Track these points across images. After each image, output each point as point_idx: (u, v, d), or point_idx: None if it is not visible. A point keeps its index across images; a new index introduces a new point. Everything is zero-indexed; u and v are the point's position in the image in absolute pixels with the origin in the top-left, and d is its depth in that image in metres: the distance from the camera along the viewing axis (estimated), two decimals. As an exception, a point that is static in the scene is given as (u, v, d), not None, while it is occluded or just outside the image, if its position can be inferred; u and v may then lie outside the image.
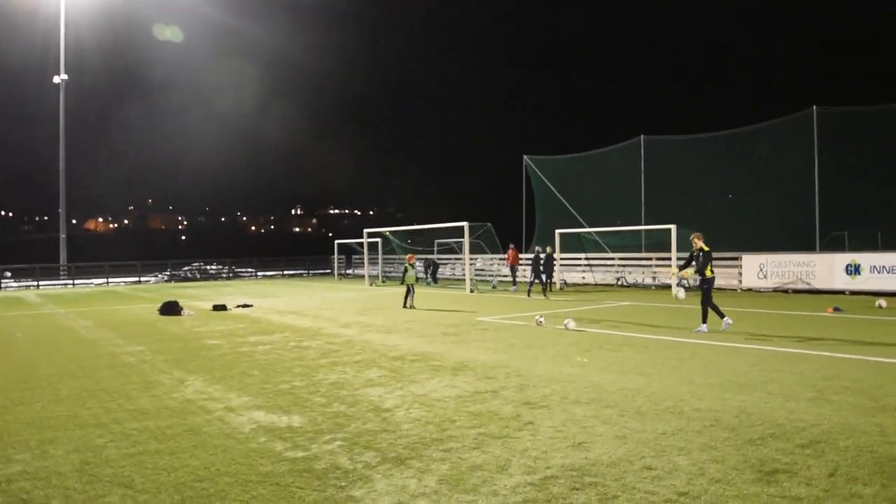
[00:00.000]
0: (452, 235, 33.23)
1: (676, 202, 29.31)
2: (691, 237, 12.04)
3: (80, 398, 7.37)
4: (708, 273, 11.74)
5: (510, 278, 27.31)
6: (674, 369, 8.35)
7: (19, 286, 36.03)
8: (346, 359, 9.78)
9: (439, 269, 35.60)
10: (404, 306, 17.85)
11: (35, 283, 36.96)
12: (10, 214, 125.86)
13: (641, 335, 11.67)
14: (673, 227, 22.79)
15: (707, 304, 11.81)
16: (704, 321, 11.82)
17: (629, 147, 32.63)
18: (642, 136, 31.96)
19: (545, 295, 21.15)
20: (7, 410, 6.87)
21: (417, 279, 26.92)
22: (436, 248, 37.38)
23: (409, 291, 18.19)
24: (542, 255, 21.42)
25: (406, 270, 18.50)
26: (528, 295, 21.47)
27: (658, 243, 26.53)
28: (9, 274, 37.12)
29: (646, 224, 29.88)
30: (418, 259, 37.93)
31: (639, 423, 5.87)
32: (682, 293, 13.23)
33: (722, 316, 11.79)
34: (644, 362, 8.92)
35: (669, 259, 23.57)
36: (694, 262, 11.92)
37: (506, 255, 28.01)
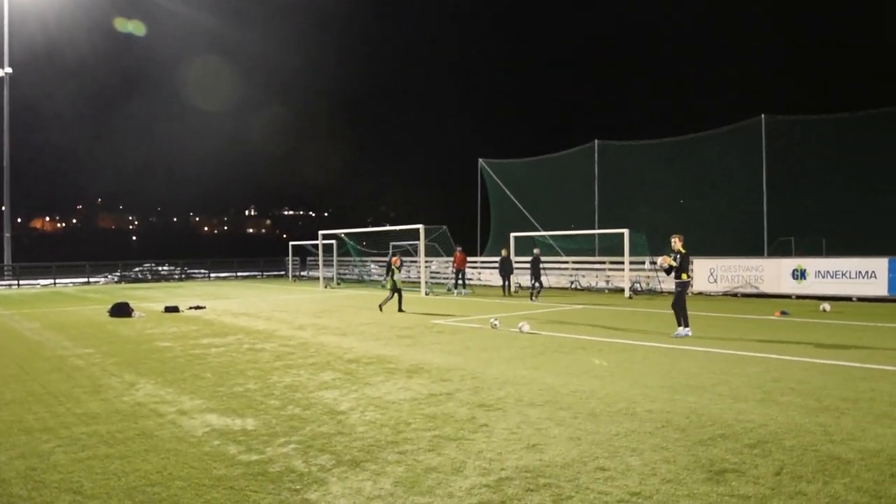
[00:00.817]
0: (408, 238, 33.15)
1: (630, 207, 29.91)
2: (672, 238, 12.02)
3: (26, 402, 7.11)
4: (684, 276, 11.83)
5: (452, 281, 27.25)
6: (626, 372, 8.50)
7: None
8: (300, 361, 9.67)
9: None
10: (380, 308, 17.49)
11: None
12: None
13: (595, 338, 11.85)
14: (626, 231, 23.22)
15: (678, 307, 11.78)
16: (681, 324, 11.73)
17: (583, 151, 33.16)
18: (596, 141, 32.52)
19: (533, 298, 21.34)
20: (-58, 416, 6.56)
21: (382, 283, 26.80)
22: (391, 251, 37.24)
23: (397, 294, 17.63)
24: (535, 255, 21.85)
25: (392, 273, 18.03)
26: (532, 298, 21.30)
27: (611, 247, 27.00)
28: None
29: (600, 228, 30.41)
30: (377, 261, 37.76)
31: (592, 424, 5.96)
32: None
33: (685, 325, 11.76)
34: (597, 365, 9.05)
35: (622, 262, 24.01)
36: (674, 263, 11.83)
37: (452, 258, 27.94)
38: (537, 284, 21.25)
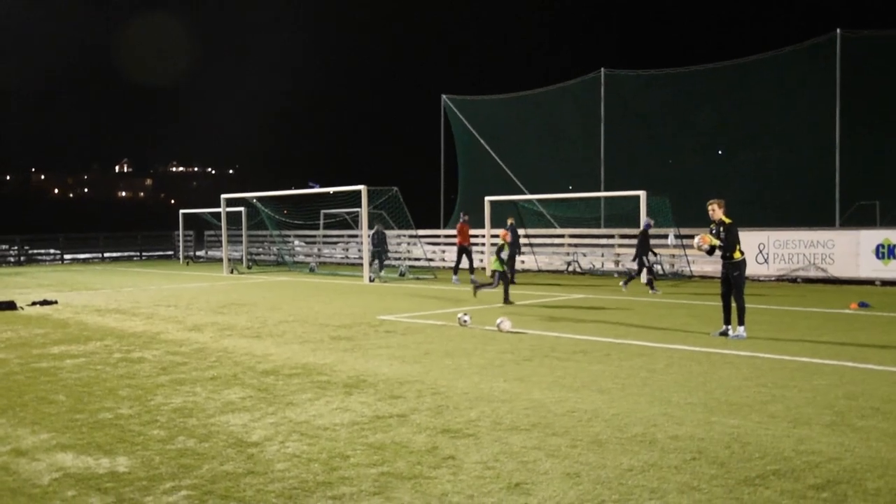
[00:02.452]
0: (346, 204, 32.99)
1: (648, 160, 30.16)
2: (708, 204, 12.03)
3: None
4: (737, 255, 11.77)
5: (446, 264, 27.24)
6: (643, 384, 8.59)
7: None
8: (195, 374, 9.56)
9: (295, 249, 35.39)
10: (507, 301, 17.06)
11: None
12: None
13: (600, 338, 11.96)
14: (642, 193, 23.44)
15: (740, 297, 11.78)
16: (741, 322, 11.80)
17: (585, 85, 33.27)
18: (603, 70, 32.64)
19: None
20: None
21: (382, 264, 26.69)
22: (322, 221, 37.04)
23: (501, 280, 17.13)
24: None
25: (502, 250, 17.27)
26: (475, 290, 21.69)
27: (622, 216, 27.24)
28: None
29: (606, 190, 30.64)
30: (304, 236, 37.54)
31: (597, 456, 6.00)
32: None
33: (729, 323, 11.89)
34: (604, 375, 9.13)
35: (636, 237, 24.23)
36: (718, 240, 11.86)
37: (454, 231, 27.76)
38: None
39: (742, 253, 11.88)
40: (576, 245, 27.86)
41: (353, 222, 35.70)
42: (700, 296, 18.67)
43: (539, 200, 30.14)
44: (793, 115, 27.48)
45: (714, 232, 11.92)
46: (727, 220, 11.84)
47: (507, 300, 17.03)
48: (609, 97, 32.42)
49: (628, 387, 8.43)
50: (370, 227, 26.66)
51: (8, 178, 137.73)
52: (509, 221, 23.07)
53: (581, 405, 7.61)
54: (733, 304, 11.91)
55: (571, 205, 29.79)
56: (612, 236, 27.28)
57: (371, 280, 24.56)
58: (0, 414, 7.78)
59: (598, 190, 31.13)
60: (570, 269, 26.98)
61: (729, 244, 11.74)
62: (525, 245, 28.75)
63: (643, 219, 21.57)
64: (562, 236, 28.65)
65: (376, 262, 26.66)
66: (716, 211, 11.94)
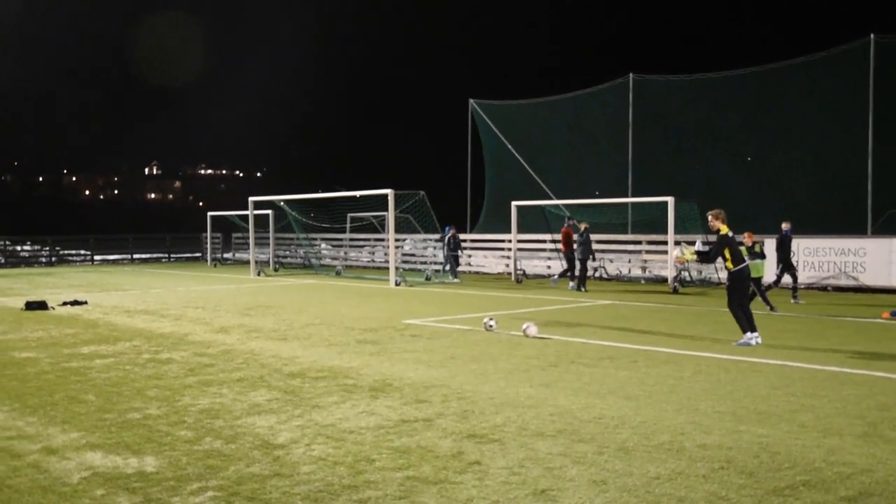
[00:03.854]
0: (372, 208, 33.10)
1: (676, 166, 29.98)
2: (708, 215, 12.25)
3: None
4: (729, 265, 11.96)
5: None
6: (671, 391, 8.55)
7: None
8: (222, 376, 9.62)
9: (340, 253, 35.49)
10: (771, 308, 16.36)
11: None
12: None
13: (627, 345, 11.91)
14: (670, 199, 23.33)
15: (733, 307, 11.92)
16: (748, 329, 11.79)
17: (613, 90, 33.16)
18: (632, 76, 32.51)
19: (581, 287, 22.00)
20: None
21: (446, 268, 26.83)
22: (348, 225, 37.19)
23: (760, 288, 16.35)
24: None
25: (753, 255, 16.22)
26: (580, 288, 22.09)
27: (650, 222, 27.11)
28: None
29: (634, 196, 30.51)
30: (331, 239, 37.63)
31: (623, 463, 5.97)
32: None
33: (749, 330, 11.81)
34: (631, 381, 9.10)
35: (665, 243, 24.13)
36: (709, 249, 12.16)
37: (557, 237, 27.43)
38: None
39: (737, 263, 11.96)
40: (602, 250, 27.73)
41: (379, 226, 35.77)
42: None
43: (565, 205, 30.04)
44: (824, 121, 27.18)
45: (695, 246, 12.46)
46: (724, 230, 11.99)
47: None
48: (637, 102, 32.27)
49: (655, 394, 8.38)
50: (398, 230, 26.72)
51: (41, 179, 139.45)
52: (583, 227, 22.82)
53: (607, 412, 7.57)
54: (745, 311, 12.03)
55: (598, 210, 29.63)
56: (639, 242, 27.13)
57: (397, 284, 24.60)
58: (31, 412, 7.88)
59: (626, 195, 31.00)
60: (597, 274, 26.85)
61: (712, 254, 12.18)
62: (552, 250, 28.70)
63: (784, 226, 19.52)
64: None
65: (448, 265, 27.01)
66: (713, 222, 12.18)
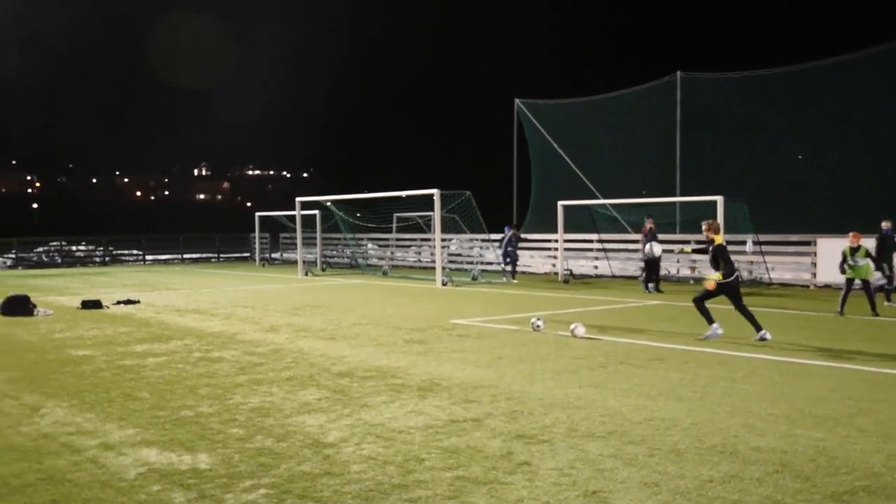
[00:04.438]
0: (418, 208, 33.20)
1: (724, 165, 29.57)
2: (703, 224, 12.69)
3: None
4: (719, 276, 12.08)
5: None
6: (723, 393, 8.43)
7: None
8: (272, 375, 9.71)
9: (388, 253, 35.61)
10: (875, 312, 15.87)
11: None
12: None
13: (677, 346, 11.78)
14: (719, 198, 23.02)
15: (699, 300, 12.41)
16: (711, 321, 12.36)
17: (660, 88, 32.83)
18: (679, 74, 32.15)
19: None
20: None
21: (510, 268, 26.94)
22: (395, 225, 37.33)
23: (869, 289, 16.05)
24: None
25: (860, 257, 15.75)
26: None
27: (699, 221, 26.77)
28: None
29: (682, 195, 30.17)
30: (377, 239, 37.78)
31: (675, 465, 5.90)
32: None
33: (758, 329, 12.15)
34: (682, 383, 8.99)
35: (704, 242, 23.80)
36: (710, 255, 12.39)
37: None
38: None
39: (729, 274, 12.07)
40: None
41: (425, 226, 35.85)
42: (779, 304, 18.22)
43: (611, 204, 29.83)
44: (878, 119, 26.62)
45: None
46: (716, 240, 12.26)
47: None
48: (685, 100, 31.92)
49: (707, 396, 8.27)
50: (444, 230, 26.75)
51: (94, 181, 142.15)
52: (647, 226, 22.61)
53: (658, 413, 7.49)
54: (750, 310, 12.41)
55: (645, 210, 29.33)
56: (688, 242, 26.79)
57: (443, 284, 24.63)
58: (89, 409, 8.04)
59: (674, 194, 30.66)
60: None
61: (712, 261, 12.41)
62: (599, 250, 28.53)
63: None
64: (636, 241, 28.27)
65: (508, 265, 27.04)
66: (706, 232, 12.50)
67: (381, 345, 12.15)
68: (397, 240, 37.57)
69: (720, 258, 12.13)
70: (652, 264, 22.12)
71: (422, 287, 24.37)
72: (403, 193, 28.89)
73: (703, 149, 31.47)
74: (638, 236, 27.24)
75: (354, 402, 8.14)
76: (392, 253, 37.54)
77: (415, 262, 36.16)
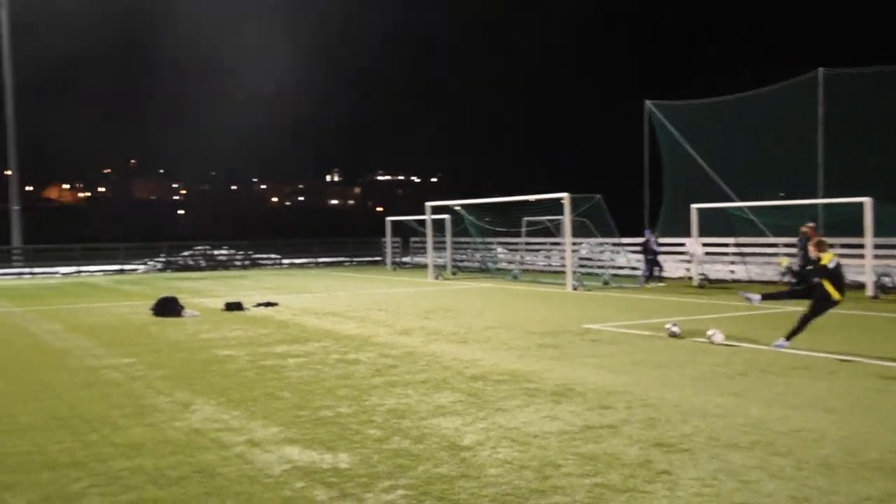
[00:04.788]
0: (547, 212, 33.01)
1: (872, 164, 28.12)
2: (803, 229, 11.97)
3: (48, 428, 7.65)
4: (836, 295, 11.49)
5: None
6: (877, 406, 8.02)
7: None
8: (407, 377, 9.87)
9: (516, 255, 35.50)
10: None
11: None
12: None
13: (823, 354, 11.28)
14: (867, 200, 21.94)
15: (804, 318, 11.79)
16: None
17: (800, 86, 31.47)
18: (821, 70, 30.78)
19: None
20: (-40, 439, 7.17)
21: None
22: (524, 229, 37.27)
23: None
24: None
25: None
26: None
27: (844, 224, 25.57)
28: None
29: (824, 196, 28.86)
30: (506, 243, 37.86)
31: (827, 480, 5.65)
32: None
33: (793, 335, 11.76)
34: (830, 393, 8.60)
35: (861, 246, 22.69)
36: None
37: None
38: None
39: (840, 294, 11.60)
40: (790, 254, 26.39)
41: (555, 230, 35.62)
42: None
43: (749, 207, 28.84)
44: None
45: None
46: (825, 260, 11.70)
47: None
48: (828, 98, 30.52)
49: (858, 408, 7.88)
50: (575, 234, 26.52)
51: (234, 187, 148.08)
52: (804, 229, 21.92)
53: (806, 425, 7.18)
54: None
55: (783, 212, 28.21)
56: (832, 246, 25.61)
57: (574, 288, 24.40)
58: (234, 406, 8.37)
59: (815, 196, 29.35)
60: (785, 279, 25.59)
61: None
62: (736, 255, 27.66)
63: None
64: (775, 245, 27.27)
65: (647, 271, 26.77)
66: (811, 249, 12.21)
67: (514, 349, 12.14)
68: (527, 244, 37.46)
69: (833, 282, 11.47)
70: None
71: (552, 291, 24.23)
72: (533, 197, 28.84)
73: (848, 148, 30.00)
74: (786, 240, 26.30)
75: (489, 406, 8.16)
76: (521, 257, 37.46)
77: (545, 266, 35.96)
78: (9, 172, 43.89)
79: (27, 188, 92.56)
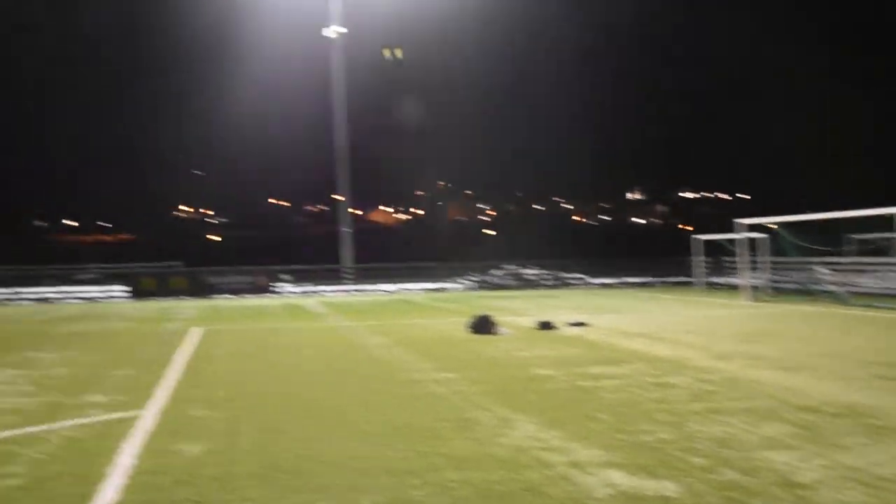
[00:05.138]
0: (878, 228, 30.18)
1: None
2: None
3: (386, 435, 8.17)
4: None
5: None
6: None
7: (302, 291, 41.97)
8: (728, 405, 9.42)
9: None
10: None
11: (315, 288, 42.74)
12: (287, 204, 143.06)
13: None
14: None
15: None
16: None
17: None
18: None
19: None
20: (303, 445, 7.83)
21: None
22: (851, 248, 34.35)
23: None
24: None
25: None
26: None
27: None
28: (288, 278, 43.42)
29: None
30: (829, 263, 35.28)
31: None
32: None
33: None
34: None
35: None
36: None
37: None
38: None
39: None
40: None
41: (890, 248, 32.49)
42: None
43: None
44: None
45: None
46: None
47: None
48: None
49: None
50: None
51: (538, 207, 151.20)
52: None
53: None
54: None
55: None
56: None
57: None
58: (554, 426, 8.43)
59: None
60: None
61: None
62: None
63: None
64: None
65: None
66: None
67: (850, 379, 11.11)
68: (854, 264, 34.46)
69: None
70: None
71: (887, 316, 22.03)
72: (853, 213, 26.57)
73: None
74: None
75: (824, 442, 7.53)
76: (848, 278, 34.51)
77: (881, 289, 32.80)
78: (341, 198, 48.37)
79: (357, 212, 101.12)
